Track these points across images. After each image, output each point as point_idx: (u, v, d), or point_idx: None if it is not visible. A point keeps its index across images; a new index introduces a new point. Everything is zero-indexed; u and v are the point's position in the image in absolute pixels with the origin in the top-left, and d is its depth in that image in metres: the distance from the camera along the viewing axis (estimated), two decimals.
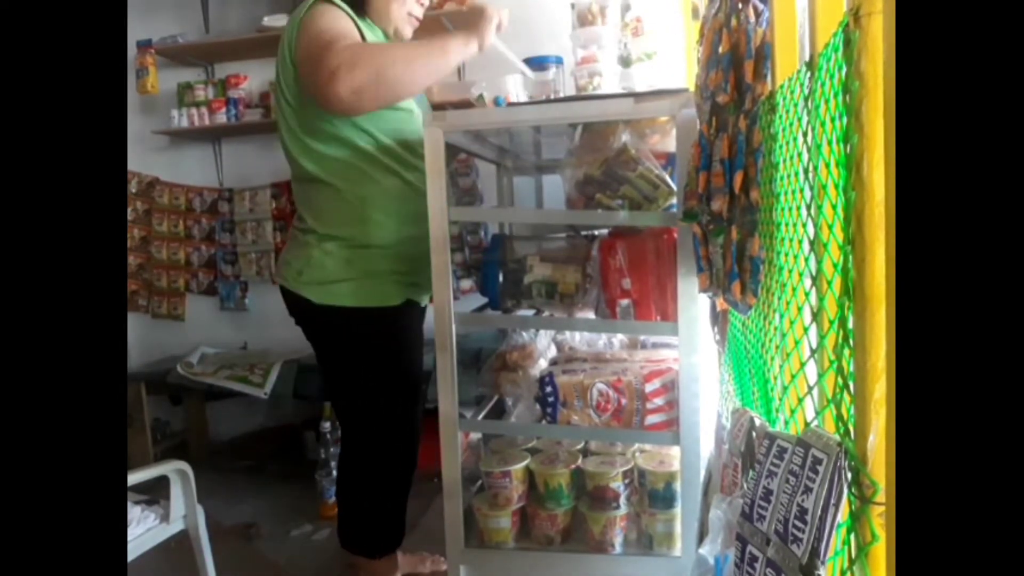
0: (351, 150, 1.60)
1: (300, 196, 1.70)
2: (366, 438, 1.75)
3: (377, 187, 1.62)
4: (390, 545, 1.80)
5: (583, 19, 1.98)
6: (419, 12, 1.74)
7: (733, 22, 0.96)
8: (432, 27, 2.92)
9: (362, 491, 1.77)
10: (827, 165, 0.70)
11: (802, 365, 0.82)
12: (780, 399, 0.91)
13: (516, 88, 1.79)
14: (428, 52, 1.54)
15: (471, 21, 1.64)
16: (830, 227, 0.69)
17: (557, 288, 1.59)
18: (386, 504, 1.78)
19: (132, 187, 3.45)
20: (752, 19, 0.91)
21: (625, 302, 1.51)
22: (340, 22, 1.54)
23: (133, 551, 1.58)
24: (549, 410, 1.53)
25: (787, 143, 0.87)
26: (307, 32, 1.52)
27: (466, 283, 3.07)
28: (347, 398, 1.76)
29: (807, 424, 0.79)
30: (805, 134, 0.78)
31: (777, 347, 0.92)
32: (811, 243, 0.77)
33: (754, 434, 0.90)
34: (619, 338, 1.91)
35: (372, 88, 1.44)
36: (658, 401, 1.50)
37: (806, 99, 0.77)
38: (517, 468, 1.61)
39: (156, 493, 1.74)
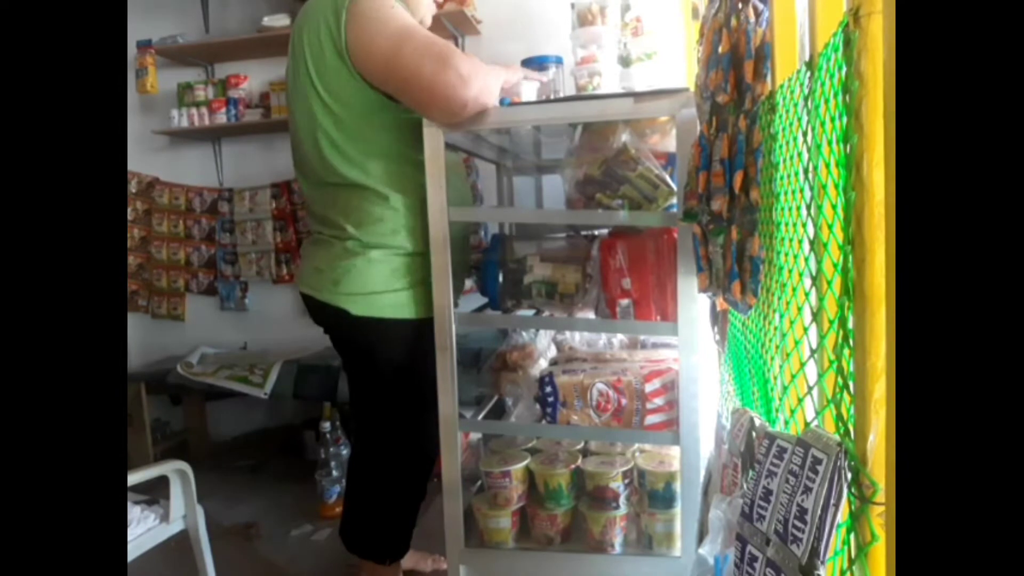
0: (399, 158, 1.54)
1: (335, 202, 1.59)
2: (394, 447, 1.70)
3: (414, 193, 1.55)
4: (401, 551, 1.78)
5: (583, 19, 1.98)
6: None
7: (733, 22, 0.96)
8: (431, 26, 2.92)
9: (385, 498, 1.74)
10: (827, 165, 0.70)
11: (802, 365, 0.82)
12: (780, 399, 0.91)
13: (530, 94, 1.78)
14: (496, 75, 1.52)
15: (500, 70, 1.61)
16: (830, 227, 0.69)
17: (557, 288, 1.59)
18: (404, 511, 1.76)
19: (132, 187, 3.45)
20: (752, 19, 0.91)
21: (625, 302, 1.51)
22: (407, 17, 1.48)
23: (133, 551, 1.59)
24: (549, 410, 1.54)
25: (787, 143, 0.88)
26: (379, 24, 1.45)
27: (466, 283, 3.07)
28: (378, 407, 1.70)
29: (807, 424, 0.79)
30: (805, 134, 0.78)
31: (777, 347, 0.92)
32: (811, 243, 0.77)
33: (754, 434, 0.90)
34: (619, 338, 1.91)
35: (483, 101, 1.44)
36: (658, 401, 1.50)
37: (806, 99, 0.77)
38: (517, 468, 1.61)
39: (156, 493, 1.74)
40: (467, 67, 1.40)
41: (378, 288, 1.56)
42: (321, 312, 1.63)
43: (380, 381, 1.67)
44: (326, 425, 2.56)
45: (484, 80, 1.43)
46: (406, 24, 1.46)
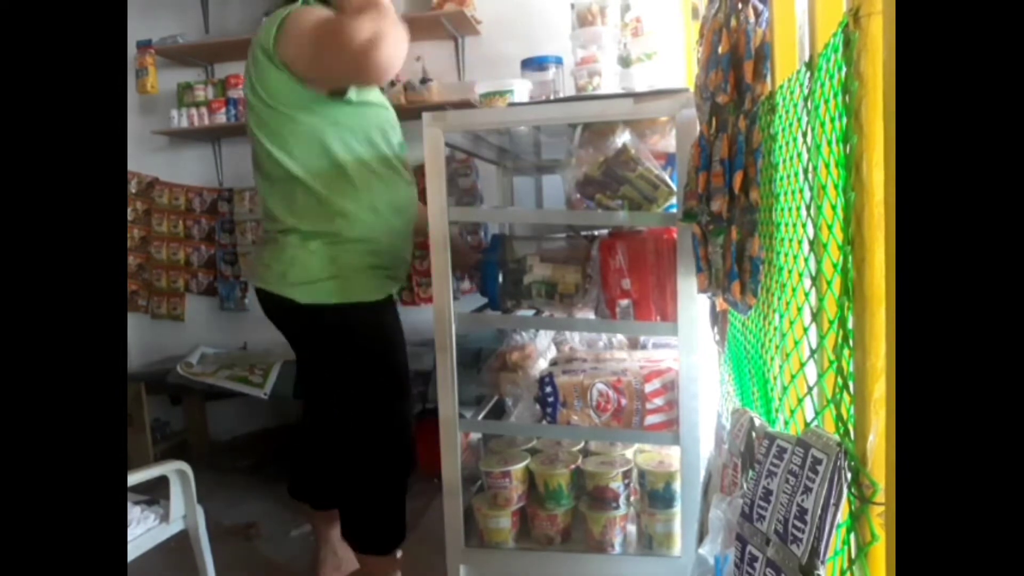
0: (325, 147, 1.62)
1: (275, 196, 1.68)
2: (361, 435, 1.75)
3: (348, 182, 1.64)
4: (397, 541, 1.81)
5: (583, 19, 1.98)
6: None
7: (733, 22, 0.96)
8: (431, 27, 2.93)
9: (365, 490, 1.78)
10: (827, 165, 0.70)
11: (802, 365, 0.82)
12: (780, 399, 0.91)
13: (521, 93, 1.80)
14: (395, 22, 1.58)
15: None
16: (830, 227, 0.69)
17: (557, 288, 1.59)
18: (388, 499, 1.79)
19: (132, 187, 3.45)
20: (752, 19, 0.91)
21: (625, 302, 1.51)
22: (323, 13, 1.58)
23: (133, 551, 1.59)
24: (549, 410, 1.54)
25: (787, 143, 0.87)
26: (301, 26, 1.55)
27: (466, 283, 3.07)
28: (338, 397, 1.77)
29: (807, 424, 0.79)
30: (805, 134, 0.78)
31: (777, 347, 0.92)
32: (811, 243, 0.77)
33: (754, 434, 0.90)
34: (619, 338, 1.91)
35: (397, 56, 1.52)
36: (658, 401, 1.50)
37: (806, 99, 0.77)
38: (517, 468, 1.61)
39: (156, 493, 1.74)
40: (369, 33, 1.47)
41: (317, 276, 1.64)
42: (274, 304, 1.71)
43: (337, 370, 1.73)
44: None
45: (394, 40, 1.51)
46: (321, 17, 1.56)
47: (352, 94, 1.62)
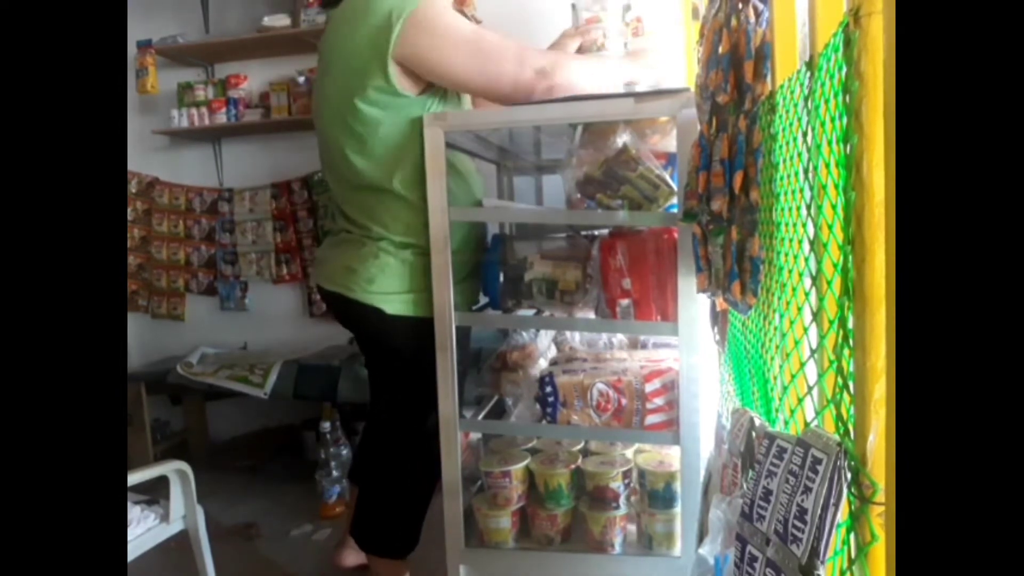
0: (414, 155, 1.55)
1: (362, 204, 1.62)
2: (412, 444, 1.73)
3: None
4: (410, 547, 1.81)
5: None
6: None
7: (733, 22, 0.96)
8: None
9: (398, 495, 1.78)
10: (827, 165, 0.70)
11: (802, 365, 0.82)
12: (780, 399, 0.91)
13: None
14: (610, 70, 1.63)
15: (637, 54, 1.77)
16: (830, 227, 0.69)
17: (557, 286, 1.59)
18: (416, 507, 1.80)
19: (132, 187, 3.45)
20: (752, 19, 0.91)
21: (625, 302, 1.51)
22: (468, 25, 1.55)
23: (133, 551, 1.59)
24: (549, 410, 1.54)
25: (787, 143, 0.87)
26: (449, 25, 1.50)
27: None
28: (401, 404, 1.74)
29: (807, 424, 0.79)
30: (805, 134, 0.78)
31: (777, 347, 0.92)
32: (811, 243, 0.77)
33: (754, 434, 0.90)
34: (619, 338, 1.91)
35: (567, 86, 1.53)
36: (658, 401, 1.50)
37: (806, 99, 0.77)
38: (517, 468, 1.61)
39: (156, 493, 1.74)
40: (543, 63, 1.51)
41: (410, 287, 1.60)
42: (349, 310, 1.66)
43: (407, 378, 1.70)
44: (326, 425, 2.56)
45: (566, 71, 1.53)
46: (471, 34, 1.52)
47: (443, 97, 1.59)
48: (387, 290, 1.60)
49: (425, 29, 1.48)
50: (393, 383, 1.76)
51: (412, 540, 1.80)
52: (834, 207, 0.68)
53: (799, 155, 0.80)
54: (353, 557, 2.00)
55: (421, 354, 1.62)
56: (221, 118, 3.18)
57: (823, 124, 0.71)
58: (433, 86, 1.58)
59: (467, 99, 1.75)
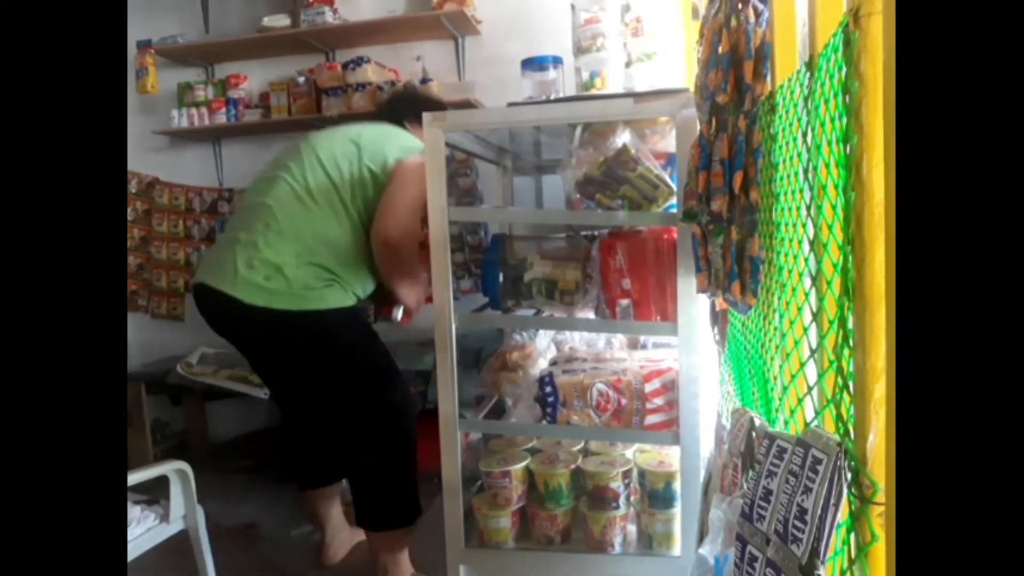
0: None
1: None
2: (384, 418, 1.86)
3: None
4: (406, 518, 1.89)
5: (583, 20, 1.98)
6: None
7: (733, 22, 0.96)
8: (431, 27, 2.93)
9: (368, 475, 1.89)
10: (827, 165, 0.70)
11: (802, 365, 0.82)
12: (780, 399, 0.91)
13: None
14: (410, 284, 1.91)
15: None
16: (830, 227, 0.69)
17: (557, 286, 1.59)
18: (392, 481, 1.88)
19: (132, 187, 3.45)
20: (752, 19, 0.91)
21: (625, 302, 1.51)
22: (424, 187, 1.71)
23: (133, 551, 1.58)
24: (549, 410, 1.53)
25: (787, 143, 0.87)
26: (405, 178, 1.78)
27: (466, 283, 3.07)
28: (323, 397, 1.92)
29: (807, 424, 0.79)
30: (805, 134, 0.78)
31: (777, 347, 0.92)
32: (811, 243, 0.77)
33: (754, 434, 0.90)
34: (619, 338, 1.91)
35: (390, 265, 1.83)
36: (658, 401, 1.50)
37: (806, 99, 0.77)
38: (517, 468, 1.61)
39: (156, 493, 1.74)
40: (402, 241, 1.78)
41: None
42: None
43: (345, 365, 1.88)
44: None
45: (403, 264, 1.84)
46: (414, 195, 1.72)
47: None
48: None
49: (406, 169, 1.80)
50: (333, 375, 1.88)
51: (408, 510, 1.89)
52: (834, 207, 0.68)
53: (799, 155, 0.80)
54: (341, 551, 2.15)
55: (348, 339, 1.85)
56: (221, 118, 3.18)
57: (823, 124, 0.71)
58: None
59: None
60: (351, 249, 1.83)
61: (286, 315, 1.75)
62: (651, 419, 1.50)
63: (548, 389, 1.53)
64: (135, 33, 3.15)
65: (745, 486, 0.88)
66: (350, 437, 1.90)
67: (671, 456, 1.55)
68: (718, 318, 1.41)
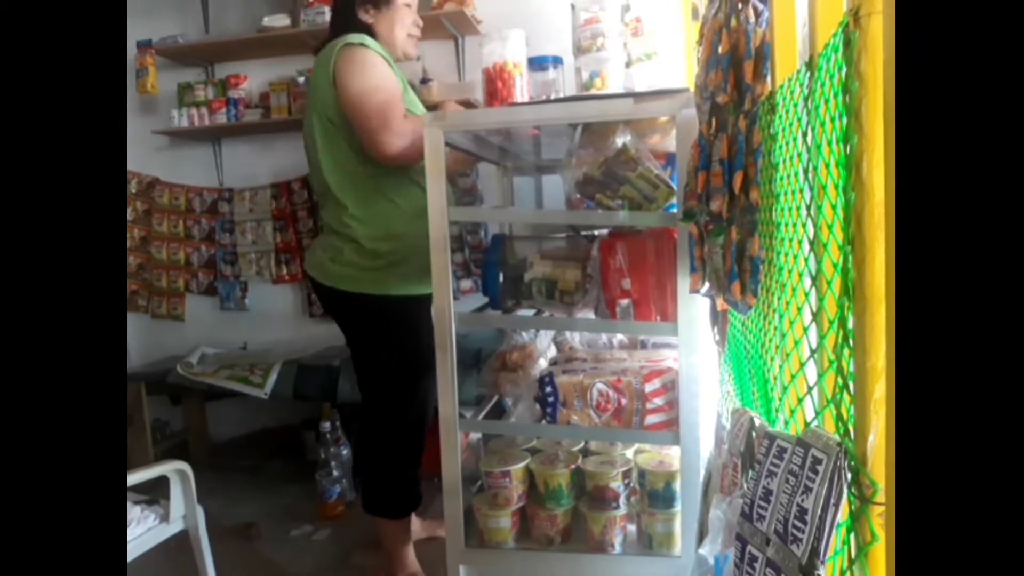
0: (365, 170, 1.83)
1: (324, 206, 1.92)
2: (380, 410, 1.93)
3: (397, 190, 1.84)
4: (402, 508, 1.94)
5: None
6: (417, 31, 1.97)
7: (733, 22, 0.95)
8: (431, 27, 2.93)
9: (380, 459, 1.94)
10: (827, 165, 0.70)
11: (802, 365, 0.82)
12: (780, 399, 0.91)
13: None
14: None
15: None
16: (830, 227, 0.69)
17: (557, 286, 1.59)
18: (399, 468, 1.93)
19: (132, 187, 3.45)
20: (752, 19, 0.91)
21: (625, 302, 1.51)
22: (379, 69, 1.78)
23: (133, 551, 1.59)
24: (549, 410, 1.53)
25: (787, 143, 0.88)
26: (349, 77, 1.74)
27: (466, 283, 3.07)
28: (371, 372, 1.96)
29: (807, 424, 0.79)
30: (805, 134, 0.78)
31: (777, 347, 0.92)
32: (811, 243, 0.77)
33: (754, 434, 0.90)
34: (619, 338, 1.91)
35: (406, 158, 1.75)
36: (658, 401, 1.50)
37: (806, 99, 0.77)
38: (517, 468, 1.61)
39: (156, 493, 1.74)
40: (395, 129, 1.71)
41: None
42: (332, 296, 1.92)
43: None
44: (326, 425, 2.56)
45: (414, 146, 1.71)
46: (369, 83, 1.74)
47: None
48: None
49: (351, 58, 1.76)
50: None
51: (405, 501, 1.94)
52: (834, 207, 0.68)
53: (799, 155, 0.80)
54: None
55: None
56: (221, 118, 3.18)
57: (823, 124, 0.71)
58: None
59: None
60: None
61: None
62: (651, 419, 1.50)
63: (548, 389, 1.53)
64: (135, 33, 3.15)
65: (745, 486, 0.88)
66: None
67: (671, 456, 1.55)
68: (718, 318, 1.41)
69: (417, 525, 2.18)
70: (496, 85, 1.94)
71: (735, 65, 0.95)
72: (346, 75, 1.75)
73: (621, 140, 1.50)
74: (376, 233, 1.83)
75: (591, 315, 1.60)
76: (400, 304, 1.86)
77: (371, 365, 1.92)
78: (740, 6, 0.94)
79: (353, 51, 1.76)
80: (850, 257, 0.63)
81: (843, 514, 0.63)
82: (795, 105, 0.83)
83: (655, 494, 1.53)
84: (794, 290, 0.83)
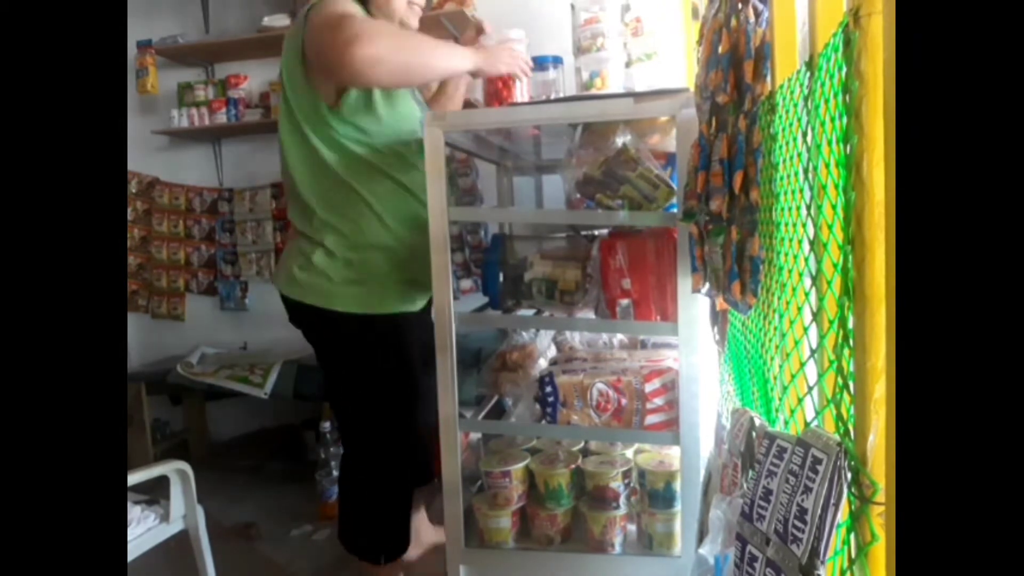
0: (348, 151, 1.61)
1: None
2: (368, 447, 1.76)
3: (372, 187, 1.63)
4: (394, 551, 1.78)
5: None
6: (422, 0, 1.75)
7: (733, 22, 0.96)
8: (431, 27, 2.93)
9: (365, 499, 1.77)
10: (827, 165, 0.70)
11: (802, 365, 0.82)
12: (780, 399, 0.91)
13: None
14: (438, 47, 1.59)
15: (494, 51, 1.70)
16: (830, 227, 0.69)
17: (557, 286, 1.59)
18: (384, 509, 1.77)
19: (132, 187, 3.45)
20: (752, 19, 0.91)
21: (625, 302, 1.51)
22: (350, 6, 1.55)
23: (133, 551, 1.59)
24: (549, 410, 1.53)
25: (787, 143, 0.88)
26: (318, 17, 1.51)
27: (466, 283, 3.07)
28: (346, 402, 1.77)
29: (807, 424, 0.79)
30: (805, 134, 0.78)
31: (777, 347, 0.92)
32: (811, 243, 0.77)
33: (754, 434, 0.90)
34: (619, 338, 1.91)
35: (387, 62, 1.46)
36: (658, 401, 1.50)
37: (806, 99, 0.77)
38: (517, 468, 1.61)
39: (156, 493, 1.74)
40: (357, 30, 1.42)
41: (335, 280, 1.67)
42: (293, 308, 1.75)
43: (347, 375, 1.75)
44: (326, 425, 2.56)
45: (389, 46, 1.46)
46: (335, 9, 1.50)
47: (347, 107, 1.59)
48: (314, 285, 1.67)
49: (314, 16, 1.53)
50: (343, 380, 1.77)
51: (394, 544, 1.77)
52: (834, 207, 0.68)
53: (799, 155, 0.80)
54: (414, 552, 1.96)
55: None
56: (221, 118, 3.18)
57: (823, 124, 0.71)
58: (345, 93, 1.58)
59: (393, 112, 1.68)
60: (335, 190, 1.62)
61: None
62: (651, 419, 1.50)
63: (548, 389, 1.53)
64: (135, 33, 3.15)
65: (745, 486, 0.88)
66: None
67: (671, 456, 1.55)
68: (718, 318, 1.41)
69: (431, 533, 2.03)
70: (497, 85, 1.92)
71: (735, 65, 0.95)
72: (313, 19, 1.52)
73: (621, 140, 1.50)
74: (348, 241, 1.63)
75: (591, 315, 1.60)
76: (385, 322, 1.66)
77: (349, 393, 1.73)
78: (740, 6, 0.94)
79: (324, 2, 1.54)
80: (850, 257, 0.63)
81: (843, 514, 0.63)
82: (795, 105, 0.83)
83: (655, 494, 1.53)
84: (794, 290, 0.83)
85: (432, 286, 1.51)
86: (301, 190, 1.64)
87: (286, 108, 1.63)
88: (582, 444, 1.74)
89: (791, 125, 0.85)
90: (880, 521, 0.59)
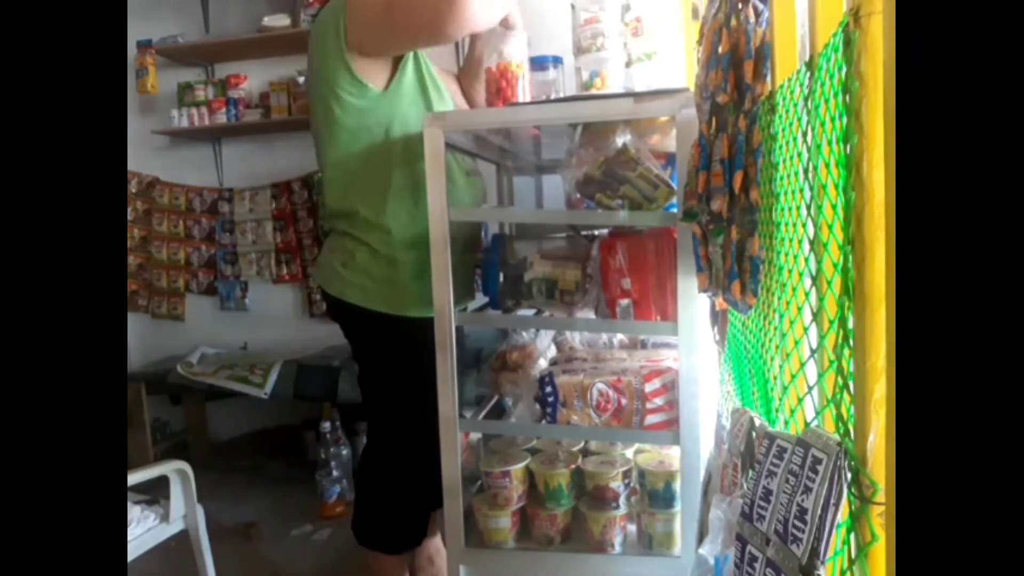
0: (394, 143, 1.60)
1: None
2: (390, 440, 1.77)
3: (416, 178, 1.60)
4: (406, 543, 1.79)
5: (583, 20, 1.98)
6: None
7: (733, 22, 0.95)
8: None
9: (381, 486, 1.79)
10: (827, 165, 0.70)
11: (802, 365, 0.82)
12: (780, 399, 0.91)
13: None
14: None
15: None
16: (830, 227, 0.69)
17: (557, 286, 1.59)
18: (402, 501, 1.78)
19: (132, 187, 3.45)
20: (752, 19, 0.91)
21: (625, 302, 1.51)
22: None
23: (133, 551, 1.59)
24: (549, 410, 1.53)
25: (787, 143, 0.88)
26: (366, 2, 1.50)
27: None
28: (378, 397, 1.78)
29: (807, 424, 0.79)
30: (805, 134, 0.78)
31: (777, 347, 0.92)
32: (811, 243, 0.77)
33: (754, 434, 0.90)
34: (619, 338, 1.91)
35: (477, 12, 1.46)
36: (658, 401, 1.50)
37: (806, 99, 0.77)
38: (517, 468, 1.61)
39: (156, 493, 1.74)
40: None
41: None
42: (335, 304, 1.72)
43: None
44: (326, 425, 2.56)
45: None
46: None
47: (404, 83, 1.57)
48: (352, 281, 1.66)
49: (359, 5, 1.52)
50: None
51: (406, 537, 1.79)
52: (834, 207, 0.68)
53: (799, 155, 0.80)
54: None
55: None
56: (221, 118, 3.19)
57: (823, 124, 0.71)
58: (398, 74, 1.58)
59: (442, 100, 1.69)
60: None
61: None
62: (651, 419, 1.50)
63: (548, 389, 1.53)
64: (135, 33, 3.15)
65: (745, 486, 0.88)
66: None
67: (671, 456, 1.55)
68: (718, 318, 1.41)
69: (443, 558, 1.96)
70: (500, 84, 1.92)
71: (735, 65, 0.95)
72: (361, 12, 1.49)
73: (621, 140, 1.49)
74: (393, 239, 1.61)
75: (591, 315, 1.60)
76: (420, 327, 1.60)
77: (382, 391, 1.73)
78: (740, 6, 0.94)
79: None
80: (850, 257, 0.63)
81: (843, 514, 0.63)
82: (795, 105, 0.83)
83: (655, 494, 1.53)
84: (794, 290, 0.83)
85: (461, 291, 1.49)
86: (342, 186, 1.63)
87: (321, 102, 1.60)
88: (582, 444, 1.74)
89: (791, 125, 0.85)
90: (880, 521, 0.59)
